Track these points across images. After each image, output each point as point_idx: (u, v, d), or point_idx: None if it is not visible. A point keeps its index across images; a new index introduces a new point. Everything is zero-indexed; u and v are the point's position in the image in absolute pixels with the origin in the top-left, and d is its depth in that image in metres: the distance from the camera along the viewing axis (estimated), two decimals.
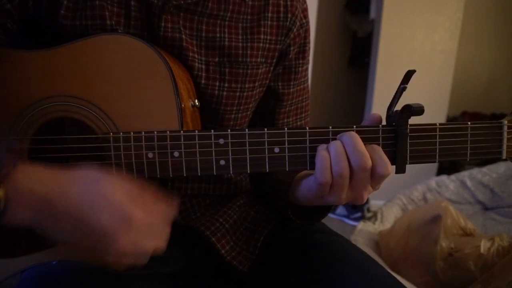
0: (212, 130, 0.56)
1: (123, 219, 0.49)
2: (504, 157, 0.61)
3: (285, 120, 0.80)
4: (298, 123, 0.82)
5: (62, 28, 0.62)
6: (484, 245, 1.50)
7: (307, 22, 0.77)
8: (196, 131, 0.56)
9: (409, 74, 0.56)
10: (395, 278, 0.67)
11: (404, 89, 0.56)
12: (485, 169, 2.23)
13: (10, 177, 0.48)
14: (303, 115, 0.82)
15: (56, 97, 0.61)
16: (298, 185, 0.65)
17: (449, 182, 2.23)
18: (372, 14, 3.02)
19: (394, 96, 0.57)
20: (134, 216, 0.49)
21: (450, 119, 3.35)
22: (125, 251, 0.50)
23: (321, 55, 3.24)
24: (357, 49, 3.54)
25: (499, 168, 2.20)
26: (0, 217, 0.48)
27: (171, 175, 0.57)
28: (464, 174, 2.24)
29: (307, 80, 0.81)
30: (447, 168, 2.96)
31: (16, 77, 0.61)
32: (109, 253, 0.50)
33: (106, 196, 0.50)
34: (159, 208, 0.54)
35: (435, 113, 2.86)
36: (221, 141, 0.56)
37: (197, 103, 0.65)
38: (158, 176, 0.57)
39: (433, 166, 3.04)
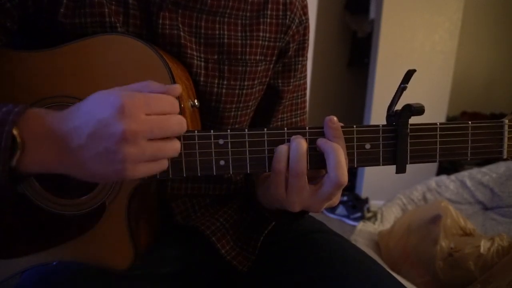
0: (212, 131, 0.56)
1: (112, 105, 0.47)
2: (505, 157, 0.61)
3: (280, 116, 0.80)
4: (293, 119, 0.82)
5: (62, 27, 0.62)
6: (484, 245, 1.50)
7: (307, 19, 0.77)
8: (196, 131, 0.56)
9: (409, 74, 0.56)
10: (395, 278, 0.67)
11: (404, 88, 0.56)
12: (485, 169, 2.23)
13: (22, 117, 0.48)
14: (298, 112, 0.82)
15: (56, 97, 0.60)
16: (261, 184, 0.66)
17: (449, 182, 2.23)
18: (372, 14, 3.02)
19: (394, 96, 0.57)
20: (122, 99, 0.47)
21: (449, 119, 3.35)
22: (130, 132, 0.47)
23: (321, 55, 3.24)
24: (357, 49, 3.54)
25: (499, 168, 2.20)
26: (20, 159, 0.48)
27: (170, 176, 0.57)
28: (464, 174, 2.24)
29: (305, 76, 0.81)
30: (447, 168, 2.97)
31: (16, 77, 0.61)
32: (121, 144, 0.47)
33: (102, 98, 0.49)
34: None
35: (434, 113, 2.86)
36: (221, 141, 0.56)
37: (196, 103, 0.65)
38: (158, 176, 0.56)
39: (433, 166, 3.04)
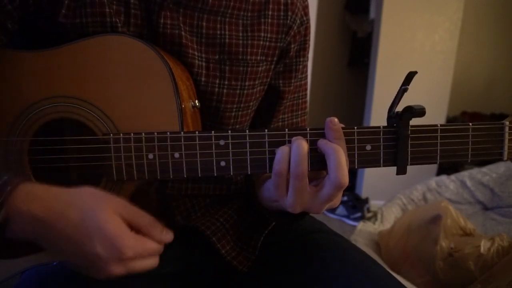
0: (213, 131, 0.56)
1: (114, 249, 0.51)
2: (505, 159, 0.61)
3: (280, 116, 0.80)
4: (294, 120, 0.82)
5: (63, 27, 0.62)
6: (484, 245, 1.50)
7: (308, 20, 0.77)
8: (197, 132, 0.56)
9: (410, 76, 0.56)
10: (395, 278, 0.67)
11: (405, 90, 0.56)
12: (485, 169, 2.23)
13: (11, 197, 0.50)
14: (299, 112, 0.82)
15: (56, 98, 0.60)
16: (262, 185, 0.66)
17: (449, 182, 2.23)
18: (372, 14, 3.02)
19: (395, 97, 0.57)
20: (125, 246, 0.51)
21: (449, 119, 3.35)
22: (117, 274, 0.52)
23: (321, 55, 3.24)
24: (357, 49, 3.54)
25: (499, 168, 2.20)
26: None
27: (171, 176, 0.57)
28: (464, 174, 2.24)
29: (305, 77, 0.81)
30: (447, 168, 2.97)
31: (16, 77, 0.61)
32: (102, 273, 0.53)
33: (100, 224, 0.52)
34: (154, 232, 0.56)
35: (434, 113, 2.86)
36: (222, 142, 0.56)
37: (197, 104, 0.65)
38: (159, 177, 0.56)
39: (433, 166, 3.04)
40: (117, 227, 0.52)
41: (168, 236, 0.57)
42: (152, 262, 0.56)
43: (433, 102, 2.85)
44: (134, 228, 0.54)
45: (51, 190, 0.53)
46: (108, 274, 0.52)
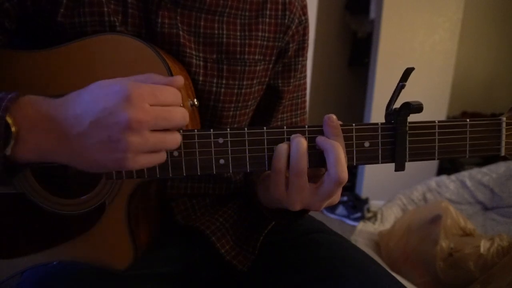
0: (212, 129, 0.56)
1: (117, 93, 0.47)
2: (502, 154, 0.61)
3: (279, 116, 0.80)
4: (293, 119, 0.82)
5: (61, 27, 0.62)
6: (484, 245, 1.50)
7: (306, 19, 0.77)
8: (195, 130, 0.56)
9: (407, 72, 0.56)
10: (395, 277, 0.67)
11: (403, 86, 0.56)
12: (485, 169, 2.23)
13: (16, 103, 0.48)
14: (298, 112, 0.82)
15: (55, 97, 0.60)
16: (261, 183, 0.66)
17: (449, 182, 2.23)
18: (372, 14, 3.02)
19: (393, 94, 0.57)
20: (127, 87, 0.47)
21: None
22: (136, 120, 0.46)
23: (321, 55, 3.24)
24: (357, 49, 3.54)
25: (499, 168, 2.20)
26: (15, 147, 0.47)
27: (170, 175, 0.57)
28: (464, 174, 2.24)
29: (304, 76, 0.81)
30: (447, 168, 2.97)
31: (16, 77, 0.61)
32: (124, 133, 0.46)
33: (101, 86, 0.48)
34: (160, 78, 0.52)
35: (435, 113, 2.86)
36: (221, 140, 0.56)
37: (196, 103, 0.65)
38: (158, 176, 0.56)
39: (433, 166, 3.04)
40: (114, 80, 0.49)
41: (178, 78, 0.52)
42: (174, 137, 0.51)
43: (433, 102, 2.86)
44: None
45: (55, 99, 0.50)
46: (126, 123, 0.46)
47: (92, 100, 0.47)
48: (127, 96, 0.46)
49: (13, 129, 0.47)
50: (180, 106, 0.52)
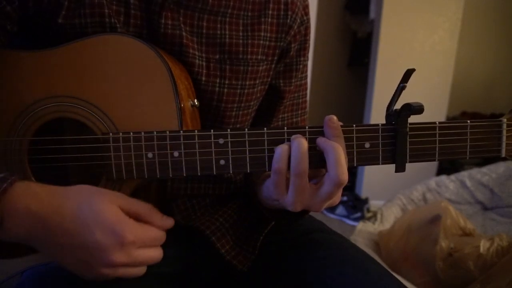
0: (212, 130, 0.56)
1: (114, 235, 0.50)
2: (503, 155, 0.61)
3: (280, 116, 0.80)
4: (294, 119, 0.82)
5: (62, 28, 0.62)
6: (483, 245, 1.50)
7: (308, 19, 0.77)
8: (196, 131, 0.56)
9: (408, 73, 0.56)
10: (394, 277, 0.67)
11: (403, 88, 0.56)
12: (484, 169, 2.23)
13: (6, 195, 0.50)
14: (299, 112, 0.82)
15: (55, 97, 0.60)
16: (261, 184, 0.66)
17: (449, 182, 2.23)
18: (372, 14, 3.02)
19: (394, 95, 0.57)
20: (125, 231, 0.51)
21: (449, 119, 3.35)
22: (120, 264, 0.51)
23: (321, 55, 3.24)
24: (357, 49, 3.54)
25: (499, 168, 2.20)
26: None
27: (171, 175, 0.57)
28: (464, 174, 2.24)
29: (306, 76, 0.81)
30: (447, 168, 2.97)
31: (16, 77, 0.61)
32: (103, 266, 0.51)
33: (98, 213, 0.51)
34: (154, 219, 0.55)
35: (434, 113, 2.86)
36: (221, 140, 0.56)
37: (196, 103, 0.65)
38: (158, 176, 0.57)
39: (433, 166, 3.04)
40: (115, 214, 0.52)
41: (168, 221, 0.57)
42: (156, 254, 0.55)
43: (433, 102, 2.86)
44: (133, 217, 0.54)
45: (47, 187, 0.53)
46: (111, 263, 0.51)
47: (87, 225, 0.51)
48: (121, 242, 0.51)
49: None
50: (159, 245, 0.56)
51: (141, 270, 0.55)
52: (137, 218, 0.54)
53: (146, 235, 0.53)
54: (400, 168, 0.59)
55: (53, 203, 0.51)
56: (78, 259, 0.51)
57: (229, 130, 0.56)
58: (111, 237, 0.50)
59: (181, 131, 0.55)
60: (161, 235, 0.56)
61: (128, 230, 0.51)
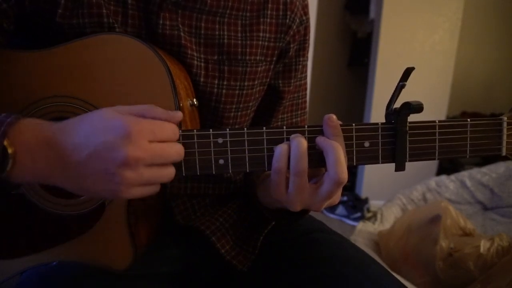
0: (211, 129, 0.56)
1: (119, 131, 0.48)
2: (503, 154, 0.61)
3: (280, 116, 0.80)
4: (293, 120, 0.82)
5: (60, 27, 0.62)
6: (483, 245, 1.50)
7: (307, 19, 0.77)
8: (195, 130, 0.56)
9: (408, 72, 0.56)
10: (395, 277, 0.67)
11: (403, 86, 0.56)
12: (484, 169, 2.23)
13: (14, 128, 0.48)
14: (298, 112, 0.82)
15: (54, 97, 0.61)
16: (261, 184, 0.66)
17: (449, 182, 2.23)
18: (372, 14, 3.02)
19: (393, 94, 0.57)
20: (130, 125, 0.48)
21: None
22: (134, 157, 0.48)
23: (321, 55, 3.24)
24: (357, 49, 3.54)
25: (499, 168, 2.20)
26: (11, 170, 0.48)
27: None
28: (464, 174, 2.25)
29: (305, 77, 0.81)
30: (447, 168, 2.97)
31: (15, 77, 0.61)
32: (121, 168, 0.48)
33: (100, 120, 0.49)
34: (159, 114, 0.53)
35: (434, 113, 2.86)
36: (220, 140, 0.56)
37: (195, 103, 0.65)
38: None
39: (433, 166, 3.04)
40: (116, 114, 0.50)
41: (176, 114, 0.54)
42: (173, 147, 0.52)
43: (433, 102, 2.86)
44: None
45: (52, 120, 0.52)
46: (126, 160, 0.47)
47: (92, 131, 0.49)
48: (127, 133, 0.48)
49: (9, 151, 0.48)
50: (177, 141, 0.53)
51: (155, 188, 0.52)
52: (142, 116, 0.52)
53: (153, 125, 0.50)
54: (400, 167, 0.58)
55: (59, 127, 0.50)
56: (97, 172, 0.49)
57: (228, 129, 0.56)
58: (115, 132, 0.48)
59: (180, 131, 0.55)
60: (172, 129, 0.52)
61: (132, 121, 0.49)
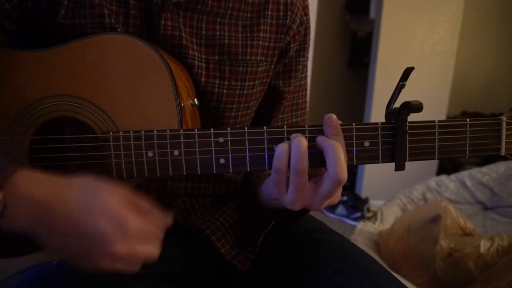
0: (212, 129, 0.56)
1: (119, 225, 0.49)
2: (503, 154, 0.61)
3: (280, 116, 0.80)
4: (294, 120, 0.82)
5: (62, 28, 0.62)
6: (483, 245, 1.50)
7: (308, 20, 0.77)
8: (196, 129, 0.56)
9: (407, 72, 0.56)
10: (394, 277, 0.67)
11: (403, 86, 0.56)
12: (485, 169, 2.23)
13: (9, 180, 0.48)
14: (299, 112, 0.82)
15: (55, 97, 0.61)
16: (261, 183, 0.66)
17: (449, 182, 2.23)
18: (372, 14, 3.02)
19: (393, 94, 0.57)
20: (129, 222, 0.50)
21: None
22: (120, 255, 0.50)
23: (321, 55, 3.24)
24: (357, 49, 3.54)
25: (499, 168, 2.20)
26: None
27: (171, 174, 0.57)
28: (464, 174, 2.24)
29: (305, 77, 0.81)
30: (447, 168, 2.97)
31: (16, 77, 0.61)
32: (104, 257, 0.50)
33: (103, 202, 0.50)
34: (154, 216, 0.55)
35: (434, 113, 2.86)
36: (221, 139, 0.56)
37: (196, 102, 0.65)
38: (158, 175, 0.57)
39: (433, 166, 3.04)
40: (119, 204, 0.51)
41: (168, 219, 0.56)
42: (154, 250, 0.54)
43: (433, 102, 2.86)
44: (134, 210, 0.53)
45: (51, 175, 0.52)
46: (112, 255, 0.50)
47: (92, 212, 0.49)
48: (126, 232, 0.50)
49: (1, 206, 0.48)
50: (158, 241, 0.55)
51: (136, 267, 0.54)
52: (138, 212, 0.53)
53: (148, 228, 0.52)
54: (399, 167, 0.59)
55: (57, 191, 0.50)
56: (79, 248, 0.50)
57: (229, 129, 0.56)
58: (115, 226, 0.49)
59: (181, 130, 0.55)
60: (159, 231, 0.55)
61: (132, 220, 0.50)
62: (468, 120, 0.59)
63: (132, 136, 0.58)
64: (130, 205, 0.52)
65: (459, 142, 0.59)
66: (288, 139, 0.57)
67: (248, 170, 0.57)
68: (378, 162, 0.59)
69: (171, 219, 0.57)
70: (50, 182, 0.51)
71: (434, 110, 2.86)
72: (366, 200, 2.87)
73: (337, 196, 0.58)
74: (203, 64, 0.68)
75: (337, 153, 0.54)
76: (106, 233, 0.49)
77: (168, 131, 0.57)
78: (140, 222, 0.52)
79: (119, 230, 0.49)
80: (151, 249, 0.54)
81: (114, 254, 0.50)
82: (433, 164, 3.03)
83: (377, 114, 2.85)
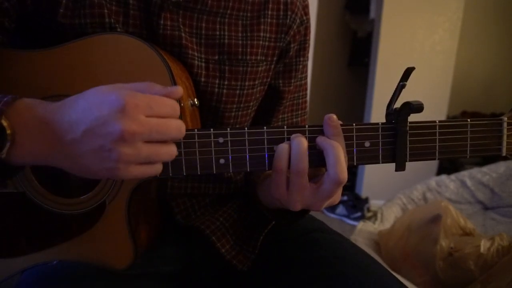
0: (212, 129, 0.56)
1: (113, 104, 0.46)
2: (503, 154, 0.61)
3: (280, 116, 0.80)
4: (294, 120, 0.82)
5: (61, 27, 0.62)
6: (484, 245, 1.50)
7: (308, 20, 0.77)
8: (196, 130, 0.56)
9: (408, 72, 0.56)
10: (395, 277, 0.67)
11: (403, 86, 0.56)
12: (485, 169, 2.23)
13: (12, 107, 0.48)
14: (299, 112, 0.82)
15: (55, 97, 0.60)
16: (261, 184, 0.66)
17: (449, 181, 2.23)
18: (372, 14, 3.02)
19: (394, 94, 0.57)
20: (124, 98, 0.46)
21: (450, 119, 3.35)
22: (129, 130, 0.46)
23: (321, 55, 3.24)
24: (357, 49, 3.54)
25: (499, 167, 2.20)
26: (10, 151, 0.47)
27: (170, 174, 0.57)
28: (464, 174, 2.24)
29: (305, 77, 0.81)
30: (447, 167, 2.97)
31: (15, 77, 0.61)
32: (117, 141, 0.46)
33: (95, 96, 0.48)
34: (157, 90, 0.51)
35: (434, 113, 2.86)
36: (221, 139, 0.56)
37: (196, 102, 0.65)
38: (158, 175, 0.56)
39: (433, 166, 3.04)
40: (111, 88, 0.48)
41: (175, 89, 0.52)
42: (169, 149, 0.50)
43: (433, 102, 2.86)
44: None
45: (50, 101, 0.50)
46: (120, 134, 0.45)
47: (87, 107, 0.47)
48: (122, 106, 0.46)
49: (8, 131, 0.47)
50: (178, 117, 0.51)
51: (156, 168, 0.51)
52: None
53: (150, 99, 0.48)
54: (400, 167, 0.59)
55: (53, 104, 0.49)
56: (93, 149, 0.47)
57: (229, 129, 0.56)
58: (110, 106, 0.46)
59: None
60: (172, 105, 0.50)
61: (128, 95, 0.47)
62: (469, 120, 0.59)
63: None
64: (129, 88, 0.49)
65: (459, 143, 0.59)
66: (288, 139, 0.57)
67: (248, 170, 0.57)
68: (379, 163, 0.59)
69: (180, 89, 0.52)
70: (49, 103, 0.50)
71: (434, 110, 2.86)
72: (366, 200, 2.87)
73: (337, 196, 0.58)
74: (203, 64, 0.68)
75: (337, 153, 0.54)
76: (101, 117, 0.46)
77: None
78: (138, 94, 0.48)
79: (113, 107, 0.46)
80: (168, 122, 0.49)
81: (123, 133, 0.45)
82: (433, 164, 3.03)
83: (377, 114, 2.85)
